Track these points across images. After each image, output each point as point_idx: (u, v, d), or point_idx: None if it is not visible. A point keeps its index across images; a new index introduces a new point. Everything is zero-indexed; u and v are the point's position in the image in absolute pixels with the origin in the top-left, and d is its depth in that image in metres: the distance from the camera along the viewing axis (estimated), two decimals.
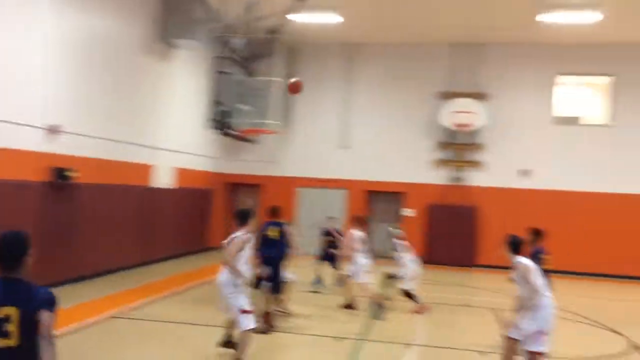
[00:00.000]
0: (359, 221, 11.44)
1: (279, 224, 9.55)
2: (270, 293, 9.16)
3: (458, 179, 18.93)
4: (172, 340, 8.57)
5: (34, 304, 3.30)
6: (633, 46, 17.88)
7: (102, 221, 12.69)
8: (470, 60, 18.98)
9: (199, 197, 17.93)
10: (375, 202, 19.91)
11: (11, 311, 3.26)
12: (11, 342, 3.25)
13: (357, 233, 11.05)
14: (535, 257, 8.03)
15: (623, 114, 18.21)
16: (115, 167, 13.19)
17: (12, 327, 3.25)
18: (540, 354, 6.46)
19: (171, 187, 16.07)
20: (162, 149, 15.36)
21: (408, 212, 11.31)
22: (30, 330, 3.26)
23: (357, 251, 10.81)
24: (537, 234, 8.99)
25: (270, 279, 9.05)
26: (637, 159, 17.96)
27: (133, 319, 9.46)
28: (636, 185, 17.84)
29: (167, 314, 9.96)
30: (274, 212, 9.70)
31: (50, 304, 3.36)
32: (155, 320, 9.46)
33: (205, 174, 18.55)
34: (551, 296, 6.65)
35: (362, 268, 10.79)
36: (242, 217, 7.31)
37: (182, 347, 8.23)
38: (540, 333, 6.40)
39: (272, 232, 9.31)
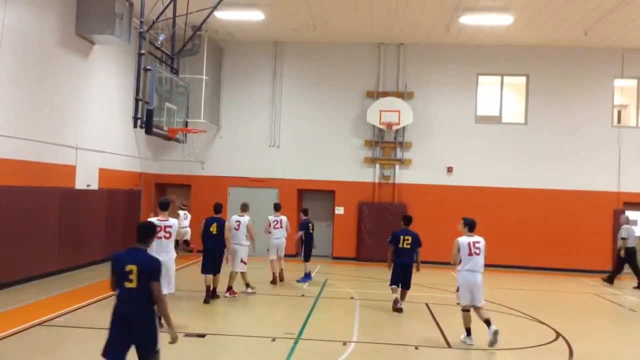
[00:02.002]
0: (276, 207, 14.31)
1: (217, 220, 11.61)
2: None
3: (387, 176, 19.36)
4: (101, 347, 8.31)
5: (147, 265, 5.48)
6: (541, 48, 18.93)
7: (21, 226, 12.11)
8: (396, 60, 19.46)
9: (126, 198, 17.42)
10: (307, 200, 20.04)
11: (133, 267, 5.43)
12: (133, 285, 5.43)
13: (271, 217, 13.90)
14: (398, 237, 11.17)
15: (535, 113, 19.20)
16: (35, 168, 12.64)
17: (133, 277, 5.42)
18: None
19: (96, 188, 15.58)
20: (85, 149, 14.86)
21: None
22: (144, 279, 5.42)
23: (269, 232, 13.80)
24: (405, 219, 11.51)
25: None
26: (548, 156, 18.97)
27: (61, 326, 9.13)
28: (549, 180, 18.85)
29: (96, 320, 9.65)
30: (216, 208, 11.79)
31: (157, 275, 5.49)
32: (84, 327, 9.14)
33: (133, 174, 18.08)
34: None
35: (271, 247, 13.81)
36: (165, 205, 9.38)
37: None
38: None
39: (213, 228, 11.43)
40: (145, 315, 5.44)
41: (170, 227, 9.19)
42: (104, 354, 5.42)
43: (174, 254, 9.41)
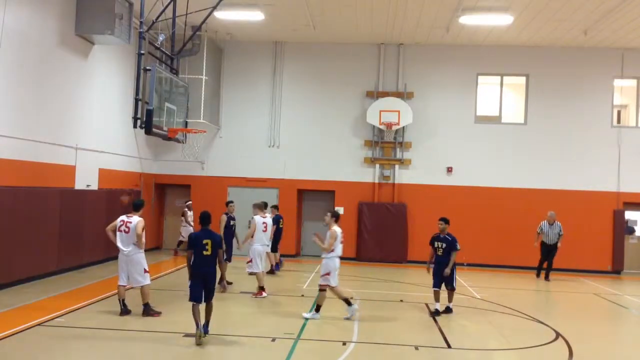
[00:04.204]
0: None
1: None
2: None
3: (387, 176, 19.36)
4: (101, 347, 8.33)
5: (217, 239, 8.61)
6: (541, 48, 18.95)
7: (21, 226, 12.11)
8: (396, 60, 19.47)
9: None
10: (307, 200, 20.06)
11: (208, 241, 8.49)
12: (208, 253, 8.49)
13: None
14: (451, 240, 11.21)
15: (535, 113, 19.21)
16: (35, 168, 12.65)
17: (209, 247, 8.48)
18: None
19: (96, 188, 15.57)
20: (85, 149, 14.86)
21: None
22: (215, 248, 8.54)
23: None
24: (446, 222, 11.38)
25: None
26: (548, 156, 18.96)
27: (61, 326, 9.12)
28: (549, 180, 18.86)
29: (96, 321, 9.65)
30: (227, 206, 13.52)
31: (221, 244, 8.75)
32: (84, 327, 9.14)
33: (133, 174, 18.07)
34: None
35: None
36: (137, 206, 10.29)
37: (112, 354, 8.02)
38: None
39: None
40: (214, 273, 8.64)
41: (130, 223, 9.94)
42: (192, 299, 8.35)
43: (132, 248, 9.88)
